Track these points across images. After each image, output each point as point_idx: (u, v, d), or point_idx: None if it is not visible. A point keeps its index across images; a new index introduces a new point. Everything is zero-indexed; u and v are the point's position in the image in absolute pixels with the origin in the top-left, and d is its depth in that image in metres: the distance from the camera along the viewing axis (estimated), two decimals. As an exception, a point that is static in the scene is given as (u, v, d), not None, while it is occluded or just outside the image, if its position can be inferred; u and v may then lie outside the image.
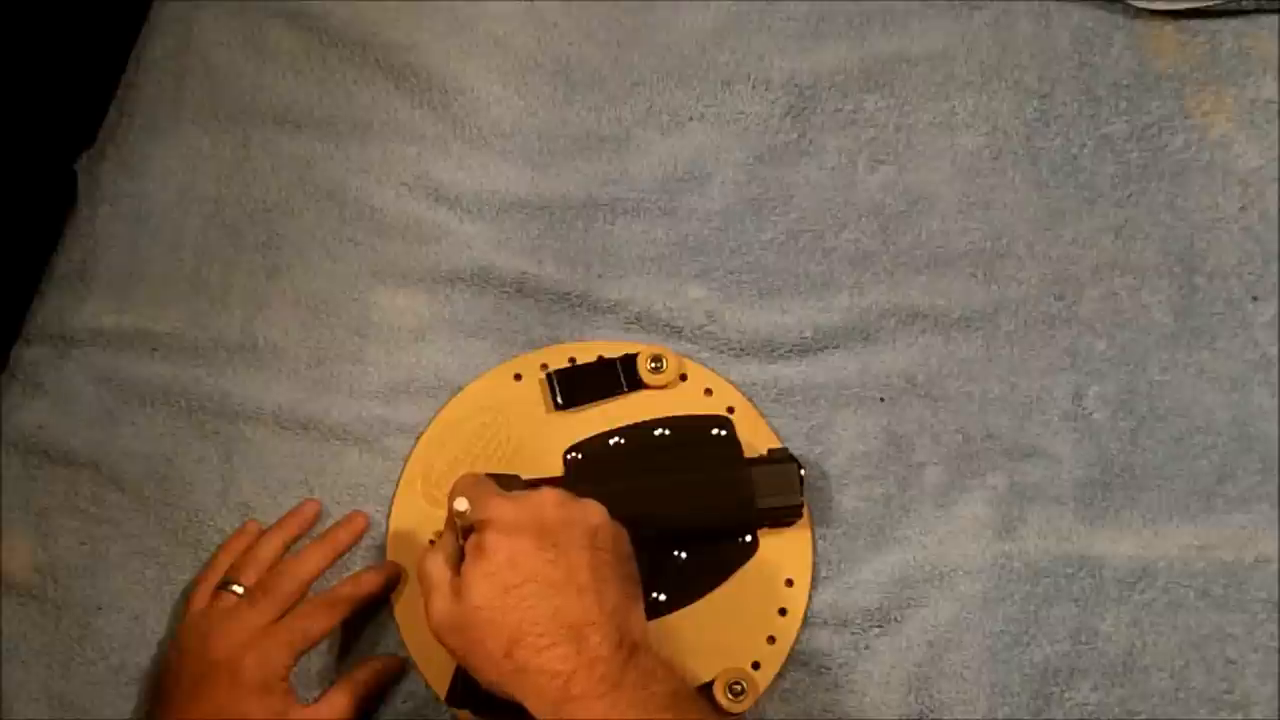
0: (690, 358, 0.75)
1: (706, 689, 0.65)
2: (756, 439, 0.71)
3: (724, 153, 0.80)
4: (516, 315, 0.76)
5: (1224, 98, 0.79)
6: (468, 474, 0.63)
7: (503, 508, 0.59)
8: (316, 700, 0.65)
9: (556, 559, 0.57)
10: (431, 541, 0.69)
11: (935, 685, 0.66)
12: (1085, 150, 0.79)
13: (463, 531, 0.61)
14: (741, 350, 0.75)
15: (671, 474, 0.69)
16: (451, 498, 0.60)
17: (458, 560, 0.60)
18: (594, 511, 0.61)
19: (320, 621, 0.67)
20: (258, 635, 0.65)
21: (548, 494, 0.61)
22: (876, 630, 0.67)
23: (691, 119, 0.81)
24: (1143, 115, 0.79)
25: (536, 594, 0.56)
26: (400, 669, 0.68)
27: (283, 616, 0.66)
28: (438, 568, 0.60)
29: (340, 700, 0.65)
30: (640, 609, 0.60)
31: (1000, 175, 0.78)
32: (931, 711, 0.66)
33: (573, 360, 0.74)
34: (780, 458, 0.69)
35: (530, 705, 0.55)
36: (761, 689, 0.66)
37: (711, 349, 0.75)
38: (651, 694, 0.55)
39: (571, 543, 0.58)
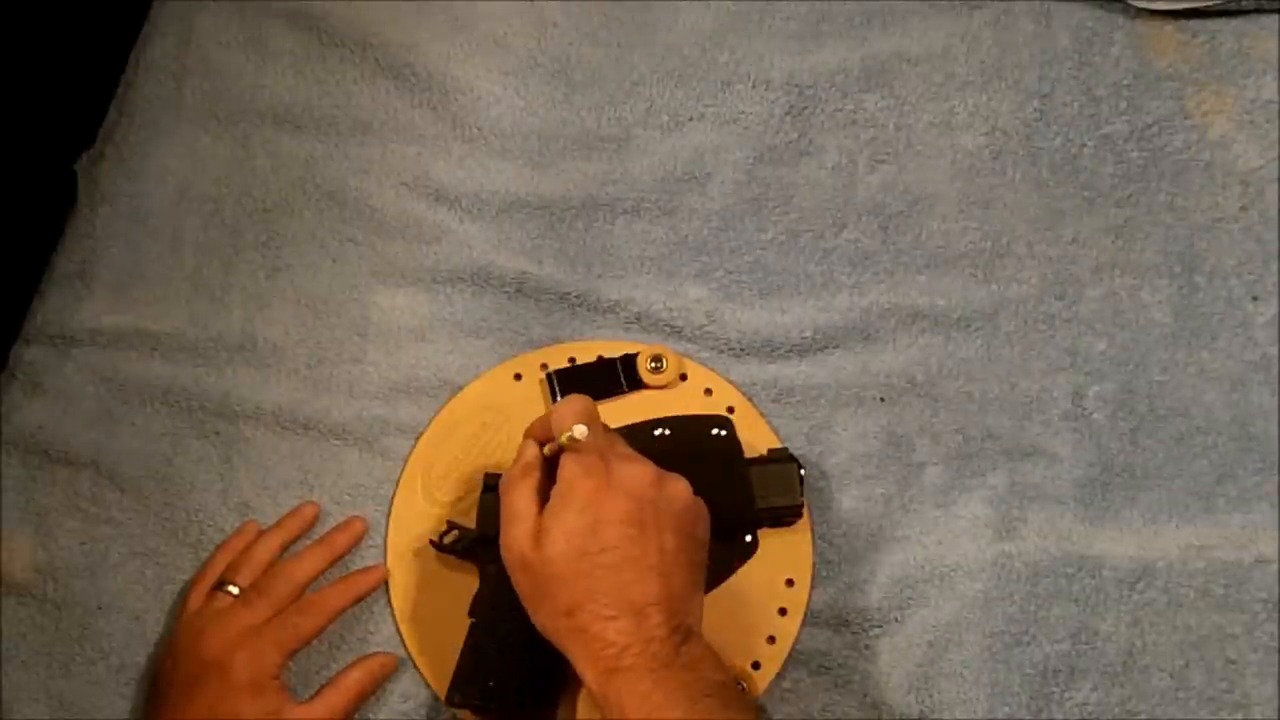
0: (690, 358, 0.75)
1: (706, 689, 0.65)
2: (756, 439, 0.71)
3: (724, 153, 0.80)
4: (516, 315, 0.76)
5: (1224, 98, 0.79)
6: (577, 397, 0.63)
7: (605, 467, 0.59)
8: (310, 699, 0.65)
9: (638, 536, 0.58)
10: (443, 538, 0.68)
11: (935, 685, 0.66)
12: (1085, 150, 0.79)
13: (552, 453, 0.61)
14: (741, 350, 0.75)
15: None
16: (559, 419, 0.60)
17: (543, 491, 0.60)
18: (682, 494, 0.61)
19: (312, 621, 0.67)
20: (249, 635, 0.65)
21: (645, 471, 0.60)
22: (876, 630, 0.67)
23: (691, 119, 0.81)
24: (1143, 115, 0.79)
25: (610, 565, 0.57)
26: (394, 668, 0.67)
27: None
28: (525, 500, 0.60)
29: (334, 699, 0.65)
30: (700, 596, 0.61)
31: (1000, 175, 0.78)
32: (931, 711, 0.66)
33: (573, 360, 0.74)
34: (780, 458, 0.69)
35: (578, 664, 0.56)
36: (761, 689, 0.66)
37: (711, 349, 0.75)
38: (697, 677, 0.56)
39: (655, 524, 0.59)
